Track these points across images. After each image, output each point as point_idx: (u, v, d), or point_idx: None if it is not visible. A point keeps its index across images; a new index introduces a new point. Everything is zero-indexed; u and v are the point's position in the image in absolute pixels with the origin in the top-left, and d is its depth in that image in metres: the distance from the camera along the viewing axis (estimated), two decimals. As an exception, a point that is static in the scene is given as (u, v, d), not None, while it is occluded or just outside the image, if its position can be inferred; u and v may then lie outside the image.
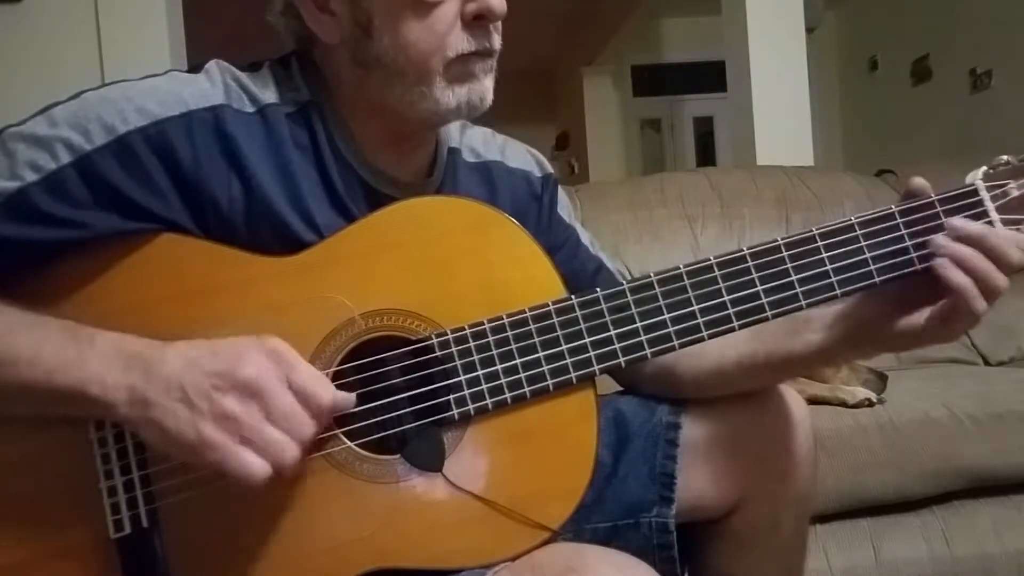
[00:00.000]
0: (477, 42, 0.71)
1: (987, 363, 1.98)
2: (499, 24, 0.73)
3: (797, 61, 2.90)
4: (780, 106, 2.87)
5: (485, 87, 0.73)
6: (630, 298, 0.71)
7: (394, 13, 0.69)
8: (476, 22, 0.71)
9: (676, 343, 0.71)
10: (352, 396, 0.65)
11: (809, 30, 3.40)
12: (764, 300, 0.71)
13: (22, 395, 0.62)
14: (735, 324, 0.71)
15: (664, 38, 5.76)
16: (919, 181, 0.72)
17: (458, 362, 0.69)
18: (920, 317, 0.71)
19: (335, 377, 0.68)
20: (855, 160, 4.97)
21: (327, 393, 0.62)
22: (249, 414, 0.59)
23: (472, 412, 0.69)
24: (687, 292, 0.71)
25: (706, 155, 5.99)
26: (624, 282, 0.72)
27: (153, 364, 0.60)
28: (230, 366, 0.60)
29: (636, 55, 5.93)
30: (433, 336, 0.69)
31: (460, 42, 0.70)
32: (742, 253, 0.72)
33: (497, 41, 0.73)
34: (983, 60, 3.96)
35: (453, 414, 0.69)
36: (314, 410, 0.61)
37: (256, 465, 0.59)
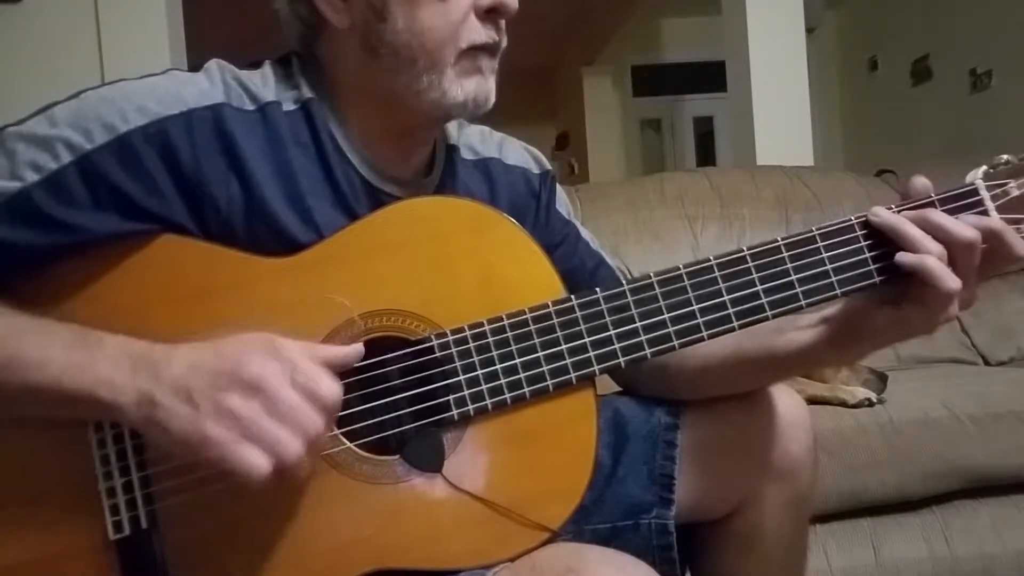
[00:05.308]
0: (488, 35, 0.72)
1: (987, 363, 1.98)
2: (504, 23, 0.74)
3: (797, 61, 2.91)
4: (780, 106, 2.88)
5: (490, 87, 0.74)
6: (630, 298, 0.71)
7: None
8: (488, 16, 0.72)
9: (676, 343, 0.71)
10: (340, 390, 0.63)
11: (809, 30, 3.40)
12: (764, 300, 0.71)
13: (30, 398, 0.62)
14: (735, 324, 0.71)
15: (664, 38, 5.75)
16: (921, 180, 0.72)
17: (457, 363, 0.69)
18: (901, 309, 0.69)
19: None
20: (855, 160, 4.96)
21: (332, 389, 0.61)
22: (251, 410, 0.58)
23: (472, 412, 0.69)
24: (687, 292, 0.71)
25: (706, 155, 5.98)
26: (624, 282, 0.72)
27: (161, 365, 0.60)
28: (233, 364, 0.59)
29: (636, 55, 5.92)
30: (432, 336, 0.69)
31: (473, 33, 0.71)
32: (742, 253, 0.72)
33: (504, 37, 0.74)
34: (983, 60, 3.96)
35: (453, 414, 0.69)
36: (319, 406, 0.60)
37: (257, 462, 0.58)
